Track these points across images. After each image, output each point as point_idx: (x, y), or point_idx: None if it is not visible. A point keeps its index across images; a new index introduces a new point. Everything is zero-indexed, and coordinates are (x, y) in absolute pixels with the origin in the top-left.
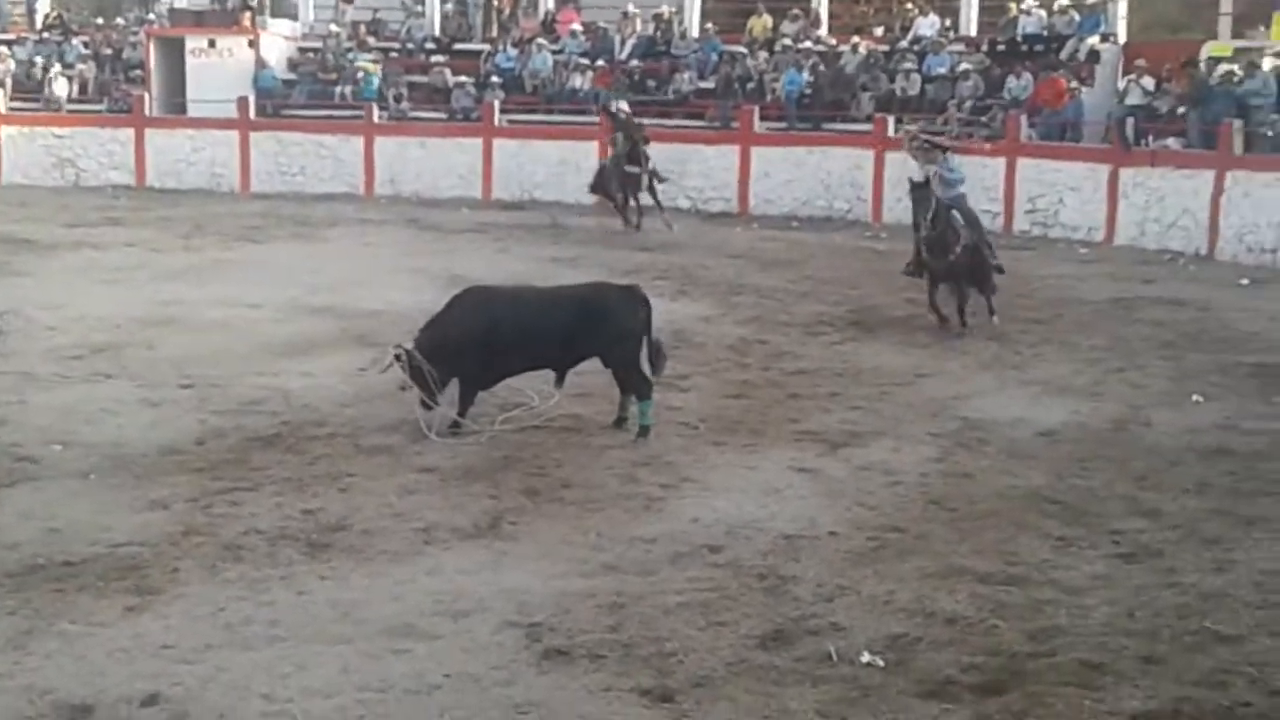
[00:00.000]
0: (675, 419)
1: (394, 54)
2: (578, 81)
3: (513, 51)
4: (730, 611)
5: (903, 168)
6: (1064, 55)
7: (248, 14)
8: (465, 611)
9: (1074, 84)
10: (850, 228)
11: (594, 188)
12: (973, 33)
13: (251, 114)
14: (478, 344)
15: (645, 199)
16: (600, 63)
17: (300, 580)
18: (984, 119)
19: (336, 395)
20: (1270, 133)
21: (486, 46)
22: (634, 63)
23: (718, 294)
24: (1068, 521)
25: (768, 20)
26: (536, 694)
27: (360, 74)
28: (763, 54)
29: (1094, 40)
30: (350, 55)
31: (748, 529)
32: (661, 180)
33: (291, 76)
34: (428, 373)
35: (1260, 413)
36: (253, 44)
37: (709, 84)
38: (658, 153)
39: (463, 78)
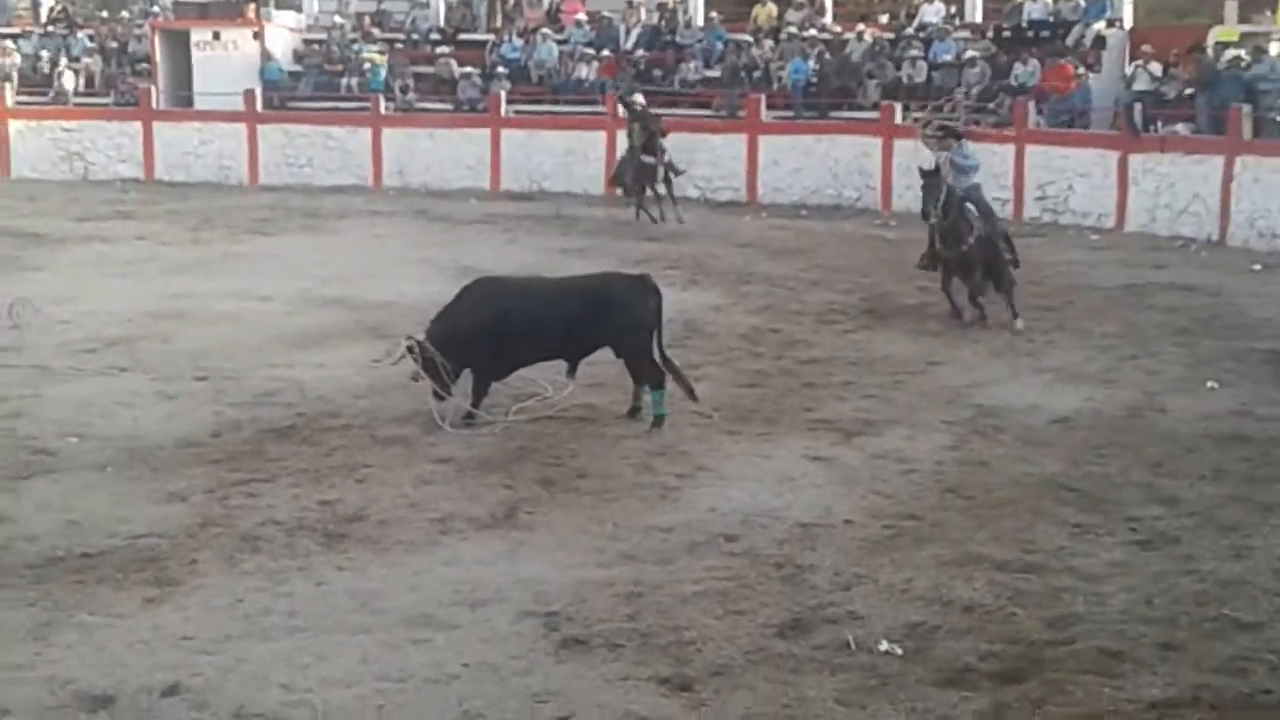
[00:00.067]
0: (689, 408)
1: (399, 45)
2: (583, 71)
3: (518, 42)
4: (748, 600)
5: (912, 155)
6: (1070, 41)
7: (252, 6)
8: (483, 601)
9: (1081, 70)
10: (859, 216)
11: (613, 181)
12: (978, 19)
13: (258, 106)
14: (488, 335)
15: (661, 190)
16: (605, 52)
17: (318, 571)
18: (991, 106)
19: (350, 387)
20: (1279, 118)
21: (491, 37)
22: (639, 52)
23: (728, 283)
24: (1084, 509)
25: (772, 8)
26: (554, 683)
27: (366, 65)
28: (768, 42)
29: (1100, 25)
30: (355, 47)
31: (764, 518)
32: (677, 173)
33: (297, 68)
34: (439, 364)
35: (1275, 399)
36: (258, 36)
37: (715, 73)
38: (667, 142)
39: (468, 68)
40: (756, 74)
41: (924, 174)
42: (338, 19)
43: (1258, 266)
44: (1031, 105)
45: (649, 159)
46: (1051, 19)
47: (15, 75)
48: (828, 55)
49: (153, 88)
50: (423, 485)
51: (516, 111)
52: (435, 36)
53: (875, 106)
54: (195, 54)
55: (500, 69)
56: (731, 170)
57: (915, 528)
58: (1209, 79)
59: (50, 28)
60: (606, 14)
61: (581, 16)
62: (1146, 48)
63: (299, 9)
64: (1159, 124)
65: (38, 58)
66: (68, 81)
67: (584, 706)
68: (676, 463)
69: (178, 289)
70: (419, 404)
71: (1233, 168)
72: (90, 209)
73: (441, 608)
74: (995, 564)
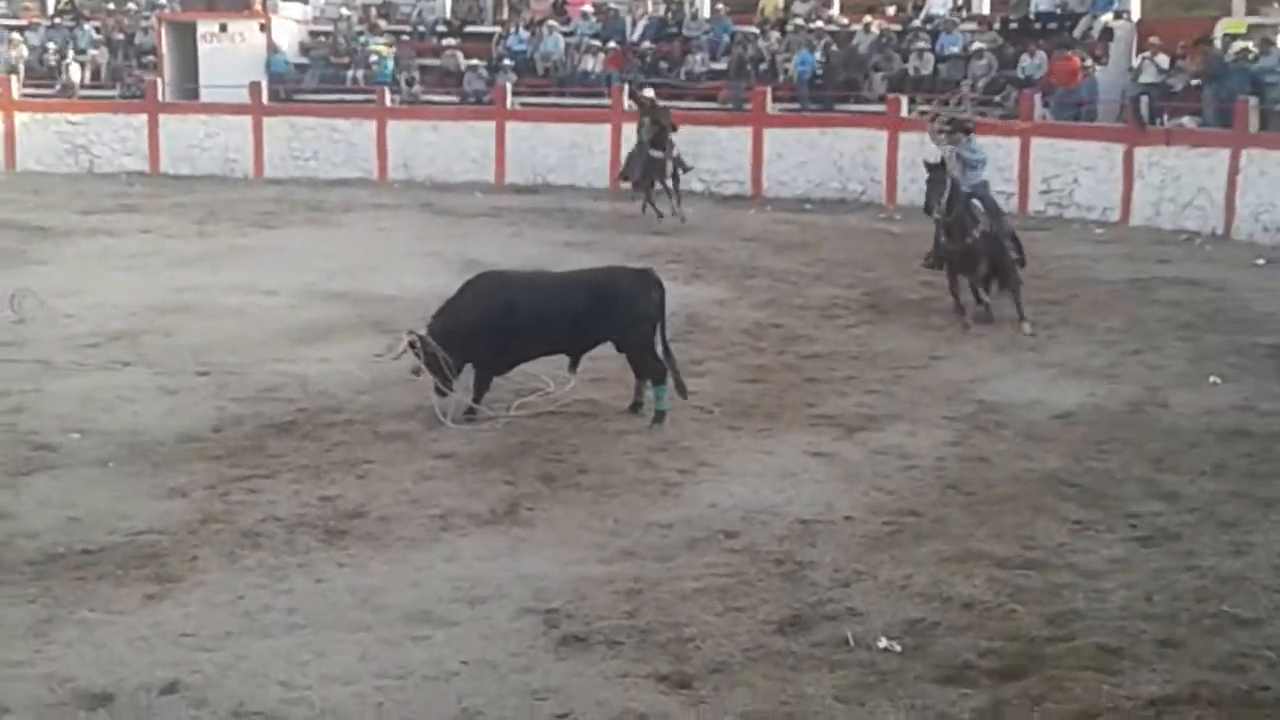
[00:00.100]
0: (691, 403)
1: (405, 37)
2: (589, 64)
3: (524, 34)
4: (747, 597)
5: (918, 149)
6: (1077, 33)
7: None
8: (483, 598)
9: (1088, 62)
10: (864, 209)
11: (623, 175)
12: (985, 11)
13: (264, 99)
14: (491, 329)
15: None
16: (611, 44)
17: (318, 567)
18: (997, 98)
19: (353, 382)
20: None
21: (497, 29)
22: (645, 44)
23: (732, 277)
24: (1085, 505)
25: (779, 0)
26: (554, 680)
27: (373, 58)
28: (774, 34)
29: (1107, 18)
30: (362, 39)
31: (764, 514)
32: (686, 169)
33: (303, 60)
34: (441, 358)
35: (1277, 394)
36: (264, 28)
37: (721, 65)
38: (676, 137)
39: (474, 60)
40: (763, 66)
41: (929, 168)
42: (344, 11)
43: (1262, 261)
44: (1038, 98)
45: (657, 153)
46: (1059, 11)
47: (21, 67)
48: (834, 47)
49: (159, 80)
50: (424, 481)
51: (522, 104)
52: (441, 29)
53: (881, 99)
54: (201, 46)
55: (506, 61)
56: (736, 163)
57: (916, 524)
58: (1216, 71)
59: (57, 20)
60: (613, 6)
61: (588, 8)
62: (1154, 40)
63: (305, 1)
64: (1165, 117)
65: (44, 50)
66: (74, 74)
67: (583, 704)
68: (678, 458)
69: (182, 282)
70: (421, 399)
71: (1239, 161)
72: (95, 202)
73: (441, 604)
74: (995, 560)
